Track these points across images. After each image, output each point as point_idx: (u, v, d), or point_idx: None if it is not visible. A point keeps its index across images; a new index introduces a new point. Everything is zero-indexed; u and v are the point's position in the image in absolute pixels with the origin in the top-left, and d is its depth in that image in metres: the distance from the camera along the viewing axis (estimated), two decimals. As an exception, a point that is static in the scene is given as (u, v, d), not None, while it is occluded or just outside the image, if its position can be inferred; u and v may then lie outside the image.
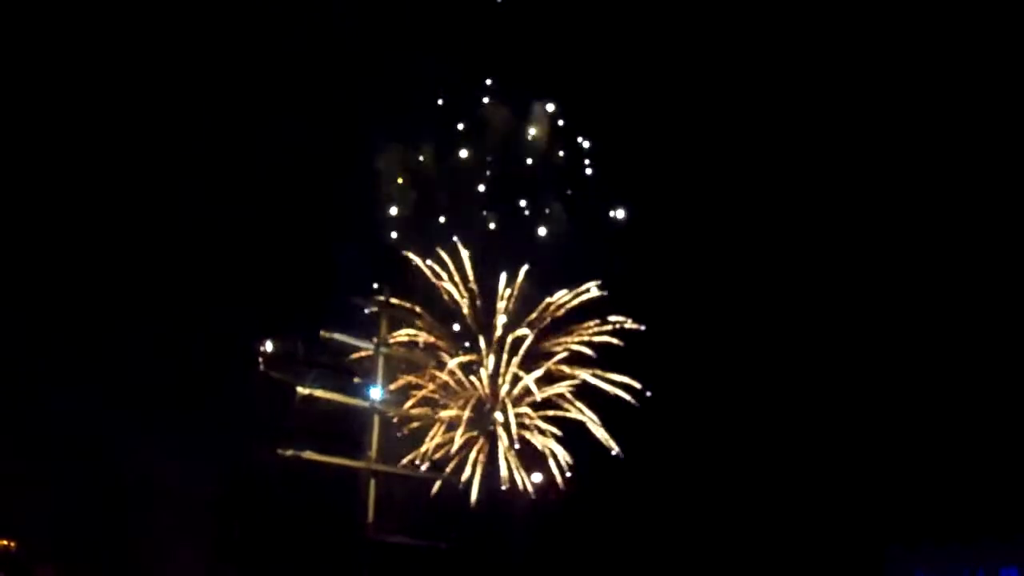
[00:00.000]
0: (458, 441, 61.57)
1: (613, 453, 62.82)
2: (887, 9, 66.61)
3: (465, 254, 62.13)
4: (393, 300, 57.23)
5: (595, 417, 62.91)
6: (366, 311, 55.75)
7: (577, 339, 63.32)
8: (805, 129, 66.74)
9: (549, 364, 62.82)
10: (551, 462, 62.67)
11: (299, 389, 51.79)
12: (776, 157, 67.26)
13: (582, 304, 63.68)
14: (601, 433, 62.77)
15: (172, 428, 53.34)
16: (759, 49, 66.91)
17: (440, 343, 61.89)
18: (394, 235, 61.58)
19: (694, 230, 67.30)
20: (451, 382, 61.84)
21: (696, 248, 67.15)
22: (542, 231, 63.98)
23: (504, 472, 62.04)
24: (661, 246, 65.78)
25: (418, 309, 60.93)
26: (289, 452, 51.42)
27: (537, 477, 62.22)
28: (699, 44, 66.61)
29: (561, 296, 63.28)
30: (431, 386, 60.81)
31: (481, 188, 64.20)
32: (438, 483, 59.93)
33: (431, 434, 60.36)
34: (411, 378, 59.73)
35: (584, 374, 63.02)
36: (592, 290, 63.56)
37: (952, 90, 65.59)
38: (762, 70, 67.07)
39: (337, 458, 53.15)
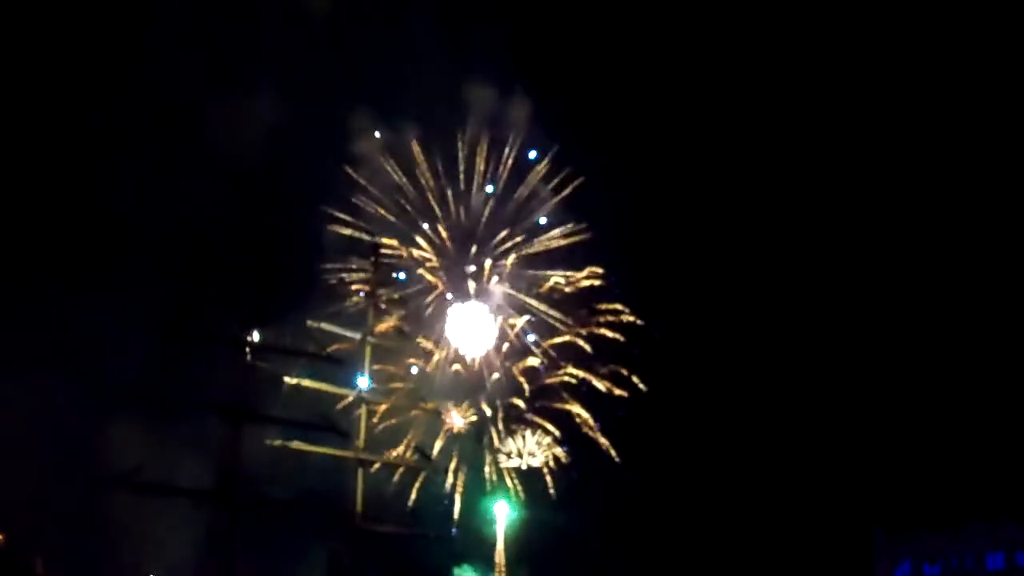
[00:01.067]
0: (443, 434, 61.52)
1: (602, 446, 62.78)
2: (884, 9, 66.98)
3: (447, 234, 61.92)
4: (381, 290, 57.08)
5: (583, 411, 62.78)
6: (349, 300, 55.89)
7: (572, 331, 63.15)
8: (806, 126, 67.15)
9: (541, 349, 62.73)
10: (540, 453, 62.61)
11: (286, 379, 51.92)
12: (772, 161, 67.62)
13: (580, 293, 63.51)
14: (587, 416, 62.77)
15: (160, 419, 53.32)
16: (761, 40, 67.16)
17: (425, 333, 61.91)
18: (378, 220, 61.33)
19: (686, 225, 67.53)
20: (436, 372, 61.80)
21: (686, 241, 67.32)
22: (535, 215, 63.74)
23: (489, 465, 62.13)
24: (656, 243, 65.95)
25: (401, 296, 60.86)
26: (277, 442, 51.61)
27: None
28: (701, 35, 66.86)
29: (552, 280, 63.14)
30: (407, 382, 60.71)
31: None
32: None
33: (414, 424, 60.25)
34: (393, 368, 59.53)
35: (573, 369, 62.90)
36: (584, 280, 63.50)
37: (949, 91, 65.91)
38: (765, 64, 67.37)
39: (324, 448, 53.23)
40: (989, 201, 65.70)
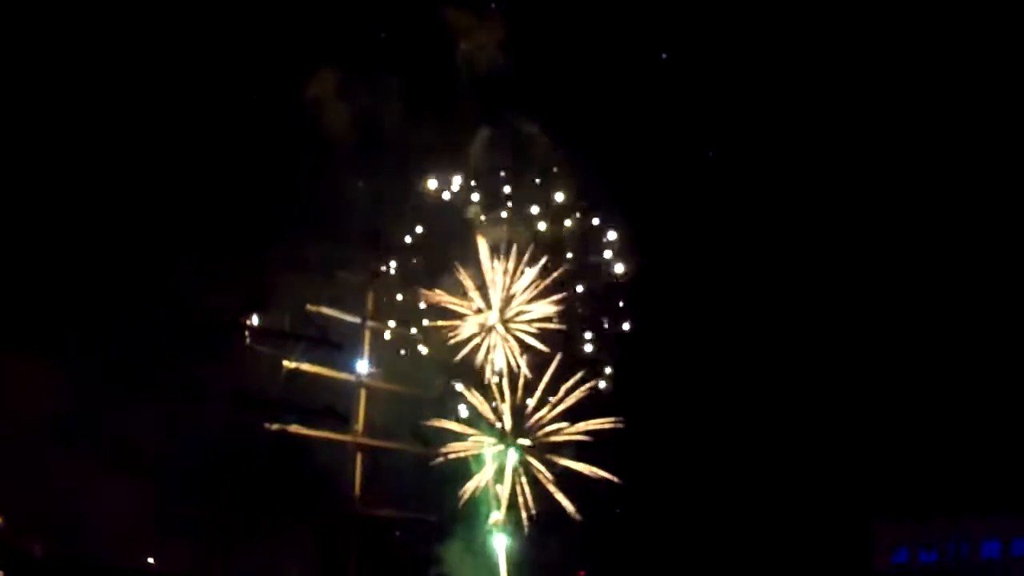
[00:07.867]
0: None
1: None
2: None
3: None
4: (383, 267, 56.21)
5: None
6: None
7: None
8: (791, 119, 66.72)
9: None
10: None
11: (285, 363, 52.10)
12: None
13: None
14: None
15: (158, 403, 53.06)
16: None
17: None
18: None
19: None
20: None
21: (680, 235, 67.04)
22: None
23: None
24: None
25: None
26: (275, 426, 51.90)
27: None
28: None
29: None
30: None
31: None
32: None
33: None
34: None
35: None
36: None
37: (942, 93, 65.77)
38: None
39: (323, 432, 53.40)
40: (970, 201, 65.60)
